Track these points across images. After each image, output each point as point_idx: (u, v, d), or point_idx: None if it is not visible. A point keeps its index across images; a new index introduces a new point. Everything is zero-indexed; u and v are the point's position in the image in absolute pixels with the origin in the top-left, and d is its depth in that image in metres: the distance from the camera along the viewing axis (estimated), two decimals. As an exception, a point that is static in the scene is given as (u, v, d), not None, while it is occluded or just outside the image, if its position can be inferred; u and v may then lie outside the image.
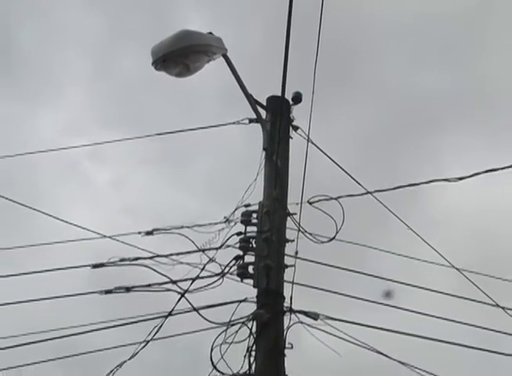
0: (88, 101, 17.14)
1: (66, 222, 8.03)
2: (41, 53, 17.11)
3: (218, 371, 6.80)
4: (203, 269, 7.28)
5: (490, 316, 7.78)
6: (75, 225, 7.96)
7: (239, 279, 7.25)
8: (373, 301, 7.54)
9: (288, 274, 7.30)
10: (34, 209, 8.09)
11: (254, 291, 7.15)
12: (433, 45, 16.37)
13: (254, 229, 7.37)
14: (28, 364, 7.27)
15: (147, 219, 8.45)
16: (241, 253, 7.29)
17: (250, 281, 7.20)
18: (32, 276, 7.82)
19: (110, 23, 16.55)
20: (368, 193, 7.53)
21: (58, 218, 8.03)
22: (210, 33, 6.95)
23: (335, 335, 7.24)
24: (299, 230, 7.48)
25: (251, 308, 7.07)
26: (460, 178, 7.19)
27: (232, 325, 6.97)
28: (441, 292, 8.01)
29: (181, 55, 6.82)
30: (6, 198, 7.93)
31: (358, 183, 7.56)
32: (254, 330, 6.95)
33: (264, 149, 7.54)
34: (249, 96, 7.47)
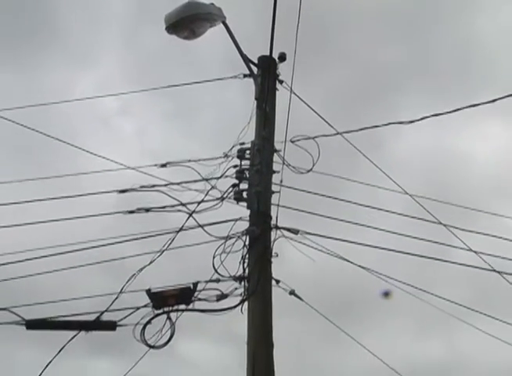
0: (118, 67, 17.26)
1: (96, 154, 8.09)
2: (81, 28, 17.17)
3: (219, 274, 6.98)
4: (206, 194, 7.41)
5: (435, 233, 7.92)
6: (103, 157, 8.00)
7: (235, 202, 7.44)
8: (341, 220, 7.65)
9: (274, 198, 7.48)
10: (66, 142, 8.10)
11: (247, 212, 7.35)
12: (394, 22, 16.49)
13: (248, 162, 7.53)
14: (72, 267, 7.46)
15: (163, 160, 8.56)
16: (237, 182, 7.48)
17: (244, 204, 7.39)
18: (69, 201, 7.90)
19: (137, 3, 16.66)
20: (338, 133, 7.64)
21: (88, 151, 8.08)
22: (212, 4, 7.11)
23: (311, 246, 7.46)
24: (283, 163, 7.62)
25: (245, 225, 7.26)
26: (411, 121, 7.33)
27: (230, 239, 7.14)
28: (399, 213, 8.11)
29: (188, 21, 7.00)
30: (45, 134, 7.98)
31: (330, 125, 7.67)
32: (247, 242, 7.12)
33: (255, 98, 7.64)
34: (243, 55, 7.53)
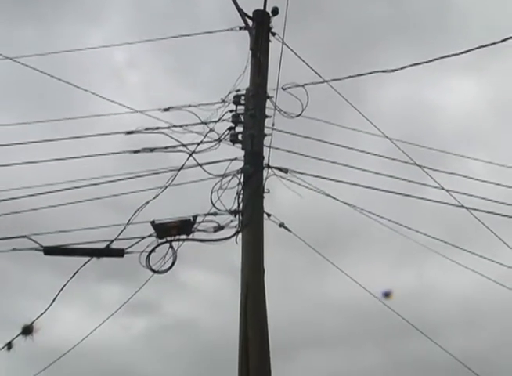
0: (126, 23, 17.08)
1: (105, 98, 8.06)
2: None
3: (216, 208, 7.12)
4: (205, 136, 7.48)
5: (411, 173, 8.01)
6: (112, 101, 7.99)
7: (231, 143, 7.51)
8: (327, 160, 7.70)
9: (267, 141, 7.57)
10: (79, 87, 8.10)
11: (242, 153, 7.44)
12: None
13: (243, 107, 7.57)
14: (84, 201, 7.56)
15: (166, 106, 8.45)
16: (233, 125, 7.54)
17: (239, 146, 7.48)
18: (81, 142, 7.86)
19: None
20: (325, 81, 7.67)
21: (98, 95, 8.05)
22: None
23: (299, 184, 7.58)
24: (275, 109, 7.66)
25: (240, 164, 7.39)
26: (393, 70, 7.36)
27: (226, 176, 7.26)
28: (379, 155, 8.16)
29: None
30: (60, 79, 7.94)
31: (317, 74, 7.72)
32: (241, 180, 7.23)
33: (250, 49, 7.66)
34: (239, 9, 7.58)
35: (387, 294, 9.32)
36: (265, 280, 7.03)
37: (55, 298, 7.09)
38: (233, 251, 7.24)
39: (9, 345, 7.34)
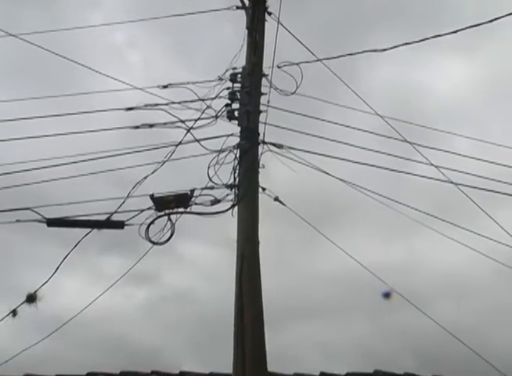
0: (127, 7, 16.93)
1: (106, 75, 8.05)
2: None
3: (213, 182, 7.16)
4: (203, 112, 7.50)
5: (401, 150, 8.07)
6: (112, 77, 7.99)
7: (228, 120, 7.54)
8: (321, 137, 7.75)
9: (262, 117, 7.61)
10: (80, 64, 8.07)
11: (238, 129, 7.48)
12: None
13: (239, 85, 7.59)
14: (83, 175, 7.56)
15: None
16: (229, 102, 7.56)
17: (236, 122, 7.51)
18: (83, 118, 7.91)
19: None
20: (319, 60, 7.67)
21: (99, 72, 8.04)
22: None
23: (293, 159, 7.63)
24: (271, 86, 7.70)
25: (236, 140, 7.43)
26: (384, 49, 7.38)
27: (223, 152, 7.30)
28: (370, 132, 8.17)
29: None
30: (62, 56, 7.93)
31: (311, 52, 7.71)
32: (237, 155, 7.29)
33: (246, 28, 7.68)
34: None
35: (387, 295, 9.41)
36: (260, 252, 7.08)
37: (57, 268, 7.15)
38: (229, 225, 7.31)
39: (14, 313, 7.42)
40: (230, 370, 6.72)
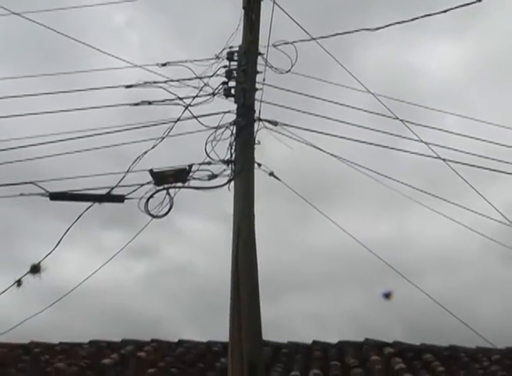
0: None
1: (106, 53, 8.02)
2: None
3: (210, 158, 7.17)
4: (200, 90, 7.47)
5: (393, 128, 8.04)
6: (112, 55, 7.96)
7: (225, 97, 7.50)
8: (317, 115, 7.72)
9: (258, 95, 7.57)
10: (80, 41, 8.04)
11: (235, 106, 7.43)
12: None
13: (236, 63, 7.54)
14: (87, 150, 7.56)
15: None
16: (226, 80, 7.52)
17: (232, 99, 7.46)
18: (83, 95, 7.92)
19: None
20: (313, 39, 7.64)
21: (100, 50, 8.04)
22: None
23: (288, 136, 7.62)
24: (266, 65, 7.68)
25: (233, 117, 7.38)
26: (377, 28, 7.33)
27: (220, 128, 7.29)
28: (364, 110, 8.15)
29: None
30: (64, 34, 7.91)
31: (305, 31, 7.66)
32: (234, 131, 7.25)
33: (243, 8, 7.59)
34: None
35: (387, 295, 9.50)
36: (255, 225, 7.08)
37: (60, 240, 7.21)
38: (226, 200, 7.33)
39: (19, 282, 7.50)
40: (227, 340, 6.78)
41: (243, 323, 6.57)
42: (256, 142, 7.38)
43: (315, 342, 11.32)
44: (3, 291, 7.49)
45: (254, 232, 7.07)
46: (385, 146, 7.87)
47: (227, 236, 7.21)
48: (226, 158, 7.18)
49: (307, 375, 8.89)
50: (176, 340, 11.56)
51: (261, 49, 7.66)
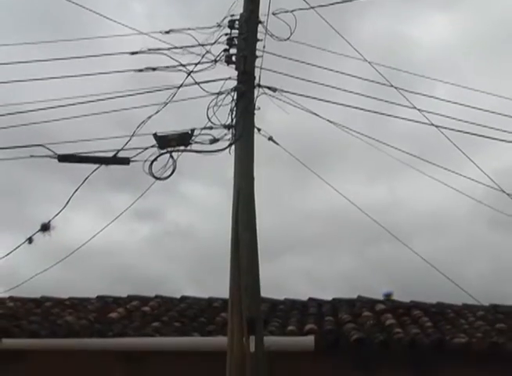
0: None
1: (113, 20, 7.98)
2: None
3: (211, 122, 7.17)
4: (202, 56, 7.47)
5: (388, 96, 8.06)
6: (118, 22, 7.93)
7: (226, 64, 7.51)
8: (315, 82, 7.70)
9: (258, 62, 7.58)
10: (88, 9, 7.94)
11: (236, 73, 7.44)
12: None
13: (237, 31, 7.54)
14: (95, 114, 7.56)
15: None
16: (227, 47, 7.53)
17: (233, 66, 7.47)
18: (88, 61, 7.86)
19: None
20: (311, 7, 7.61)
21: (105, 16, 7.96)
22: None
23: (286, 102, 7.62)
24: (266, 32, 7.63)
25: (233, 83, 7.38)
26: (373, -1, 7.34)
27: (221, 94, 7.27)
28: (359, 78, 8.13)
29: None
30: (73, 2, 7.79)
31: (306, 2, 7.62)
32: (235, 97, 7.24)
33: None
34: None
35: (387, 295, 9.56)
36: (255, 187, 7.11)
37: (69, 199, 7.27)
38: (227, 166, 7.35)
39: (30, 240, 7.60)
40: (227, 296, 6.88)
41: (242, 280, 6.65)
42: (256, 107, 7.37)
43: (310, 299, 11.48)
44: (15, 248, 7.60)
45: (253, 192, 7.12)
46: (381, 113, 7.90)
47: (228, 200, 7.27)
48: (227, 123, 7.20)
49: (302, 330, 9.04)
50: (179, 296, 11.73)
51: (262, 18, 7.67)
